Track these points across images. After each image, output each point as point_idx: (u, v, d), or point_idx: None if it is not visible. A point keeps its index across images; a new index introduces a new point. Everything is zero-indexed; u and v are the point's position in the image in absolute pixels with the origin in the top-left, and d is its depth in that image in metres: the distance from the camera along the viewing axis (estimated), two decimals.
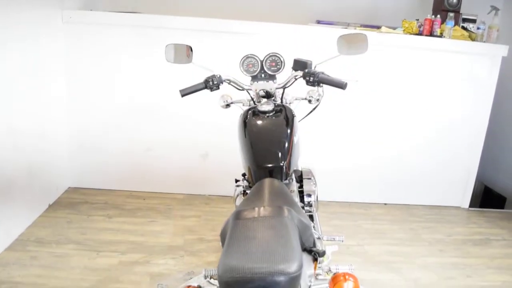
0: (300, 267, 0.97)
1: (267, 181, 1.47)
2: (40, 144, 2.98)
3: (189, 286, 1.14)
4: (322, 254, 1.22)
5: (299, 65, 1.89)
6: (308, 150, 2.19)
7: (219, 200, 3.41)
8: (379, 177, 3.50)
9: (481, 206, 3.95)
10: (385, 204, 3.55)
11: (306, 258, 1.20)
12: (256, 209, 1.19)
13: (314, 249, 1.23)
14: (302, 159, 1.91)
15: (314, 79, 1.75)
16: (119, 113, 3.31)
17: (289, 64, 1.95)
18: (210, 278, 1.20)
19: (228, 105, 1.98)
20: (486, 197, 4.35)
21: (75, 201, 3.23)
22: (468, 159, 3.52)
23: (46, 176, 3.10)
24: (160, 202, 3.31)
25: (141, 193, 3.43)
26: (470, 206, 3.64)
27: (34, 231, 2.78)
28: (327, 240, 1.60)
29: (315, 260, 1.23)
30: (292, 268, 0.94)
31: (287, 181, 1.64)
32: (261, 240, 1.05)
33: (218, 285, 1.15)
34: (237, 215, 1.18)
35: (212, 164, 3.38)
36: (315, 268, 1.22)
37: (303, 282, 1.12)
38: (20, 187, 2.75)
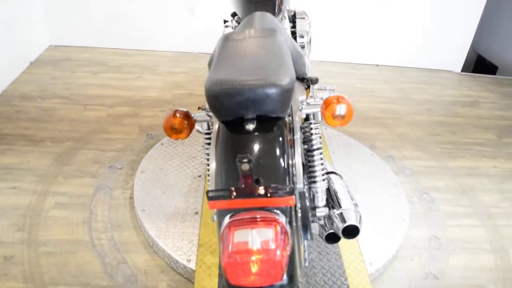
0: (293, 82, 0.92)
1: (258, 13, 1.37)
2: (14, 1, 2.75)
3: (176, 110, 1.09)
4: (315, 81, 1.17)
5: None
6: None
7: (207, 57, 3.27)
8: (371, 38, 3.37)
9: None
10: (377, 65, 3.48)
11: (298, 86, 1.15)
12: (247, 31, 1.10)
13: (306, 76, 1.17)
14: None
15: None
16: None
17: None
18: (198, 109, 1.16)
19: None
20: (478, 66, 4.30)
21: (57, 59, 3.10)
22: (465, 25, 3.36)
23: (23, 33, 2.92)
24: (146, 59, 3.20)
25: (125, 50, 3.30)
26: (462, 71, 3.59)
27: (18, 87, 2.70)
28: (318, 88, 1.55)
29: (307, 88, 1.19)
30: (285, 81, 0.88)
31: (279, 18, 1.53)
32: (252, 58, 0.98)
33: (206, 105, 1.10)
34: (226, 37, 1.09)
35: (200, 22, 3.20)
36: (307, 96, 1.18)
37: (294, 106, 1.08)
38: None
